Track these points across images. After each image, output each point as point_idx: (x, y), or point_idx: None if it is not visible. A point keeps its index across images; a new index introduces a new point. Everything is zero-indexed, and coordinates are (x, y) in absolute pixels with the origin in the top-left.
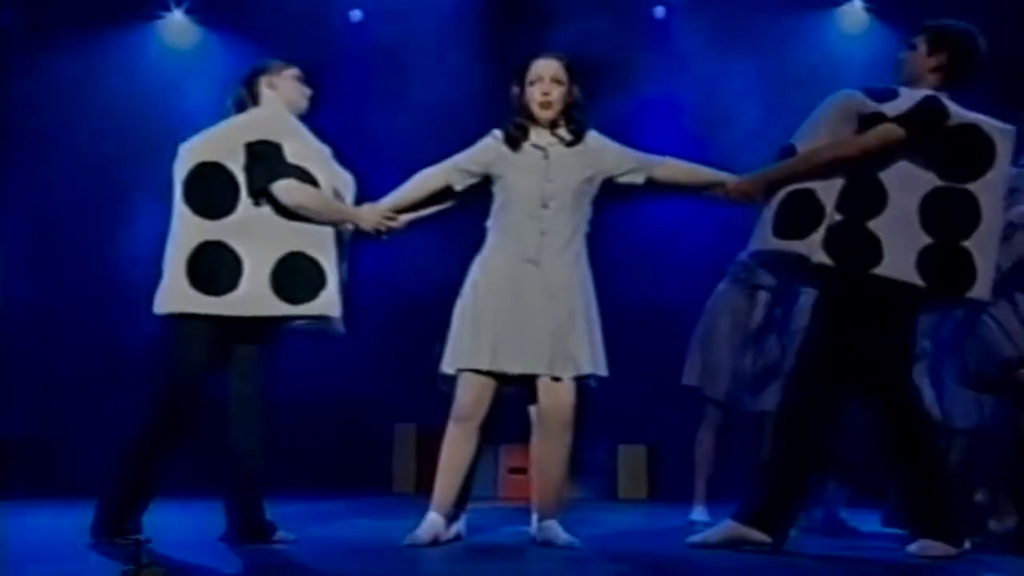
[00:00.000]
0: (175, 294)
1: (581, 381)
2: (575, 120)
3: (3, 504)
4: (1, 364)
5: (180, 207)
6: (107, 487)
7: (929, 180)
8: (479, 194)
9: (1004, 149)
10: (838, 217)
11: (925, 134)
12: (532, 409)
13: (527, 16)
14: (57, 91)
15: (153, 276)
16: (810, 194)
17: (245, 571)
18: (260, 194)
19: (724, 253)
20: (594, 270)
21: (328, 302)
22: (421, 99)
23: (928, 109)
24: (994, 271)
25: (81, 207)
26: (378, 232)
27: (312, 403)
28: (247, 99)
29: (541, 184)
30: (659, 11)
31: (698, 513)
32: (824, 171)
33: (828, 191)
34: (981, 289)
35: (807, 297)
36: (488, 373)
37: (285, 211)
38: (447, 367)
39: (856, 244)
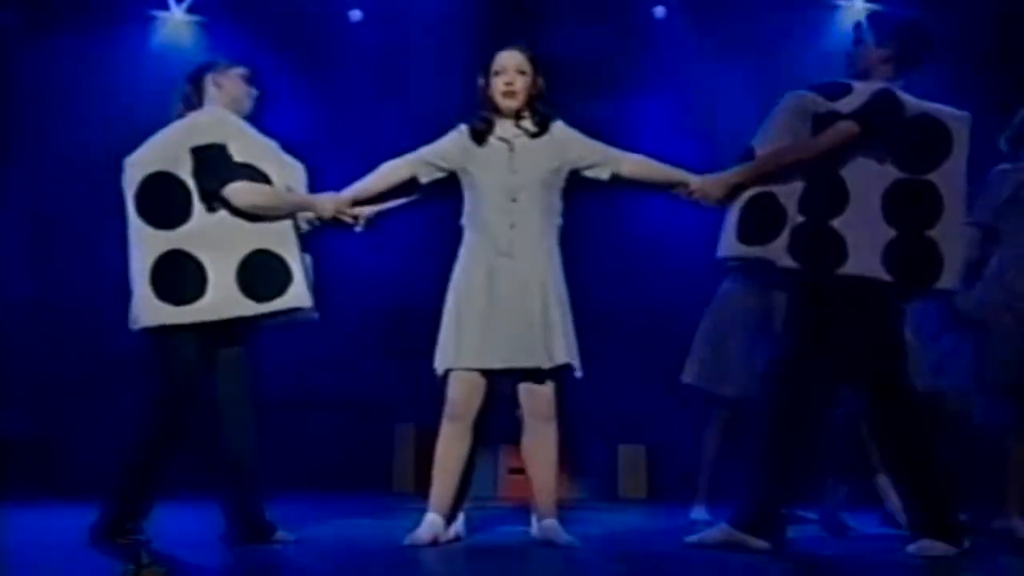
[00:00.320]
0: (145, 309)
1: (561, 374)
2: (539, 111)
3: (3, 504)
4: (1, 364)
5: (135, 221)
6: (109, 489)
7: (889, 173)
8: (447, 188)
9: (961, 136)
10: (801, 219)
11: (881, 128)
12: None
13: (527, 16)
14: (57, 91)
15: None
16: (771, 197)
17: (245, 571)
18: (213, 199)
19: None
20: (594, 271)
21: (298, 294)
22: (421, 99)
23: (882, 103)
24: (961, 259)
25: (81, 207)
26: (342, 222)
27: (312, 403)
28: (193, 97)
29: (507, 177)
30: (659, 11)
31: (699, 512)
32: (785, 173)
33: (789, 193)
34: (949, 278)
35: None
36: (476, 370)
37: (241, 211)
38: (437, 367)
39: (820, 245)
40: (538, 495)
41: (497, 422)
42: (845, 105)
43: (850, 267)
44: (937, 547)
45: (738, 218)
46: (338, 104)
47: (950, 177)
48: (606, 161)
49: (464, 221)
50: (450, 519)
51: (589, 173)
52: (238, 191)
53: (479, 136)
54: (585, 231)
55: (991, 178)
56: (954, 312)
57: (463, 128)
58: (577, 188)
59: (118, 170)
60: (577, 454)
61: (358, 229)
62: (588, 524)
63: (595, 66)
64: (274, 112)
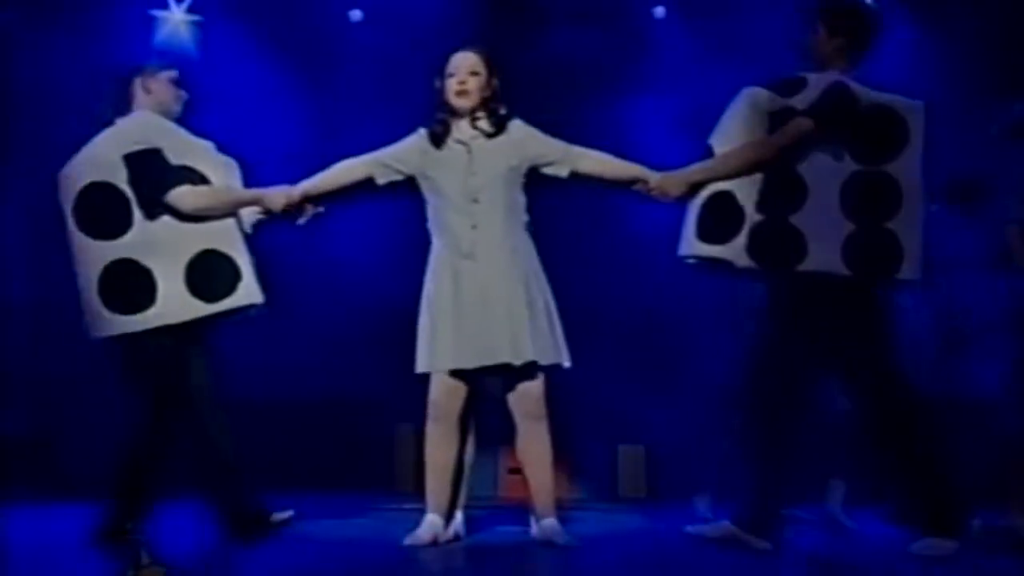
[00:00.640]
0: (97, 321)
1: (547, 372)
2: (495, 111)
3: (3, 505)
4: (0, 363)
5: (76, 236)
6: (106, 491)
7: (846, 166)
8: (403, 190)
9: (917, 126)
10: (759, 217)
11: (836, 122)
12: None
13: (527, 18)
14: (57, 90)
15: None
16: (729, 196)
17: (245, 571)
18: (154, 205)
19: None
20: (594, 272)
21: (248, 291)
22: (420, 100)
23: (836, 96)
24: (921, 249)
25: None
26: (289, 214)
27: (313, 403)
28: (122, 102)
29: (466, 179)
30: (659, 11)
31: (702, 506)
32: (743, 172)
33: (747, 191)
34: (910, 269)
35: None
36: (454, 372)
37: (184, 215)
38: (417, 370)
39: (779, 242)
40: (536, 496)
41: (497, 423)
42: (800, 101)
43: (809, 263)
44: (941, 545)
45: (697, 216)
46: (338, 104)
47: (907, 167)
48: (565, 158)
49: (429, 226)
50: (448, 518)
51: (548, 171)
52: (183, 195)
53: (437, 139)
54: (585, 231)
55: None
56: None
57: (422, 132)
58: (577, 188)
59: None
60: (577, 454)
61: (300, 222)
62: (588, 524)
63: (594, 67)
64: (274, 112)
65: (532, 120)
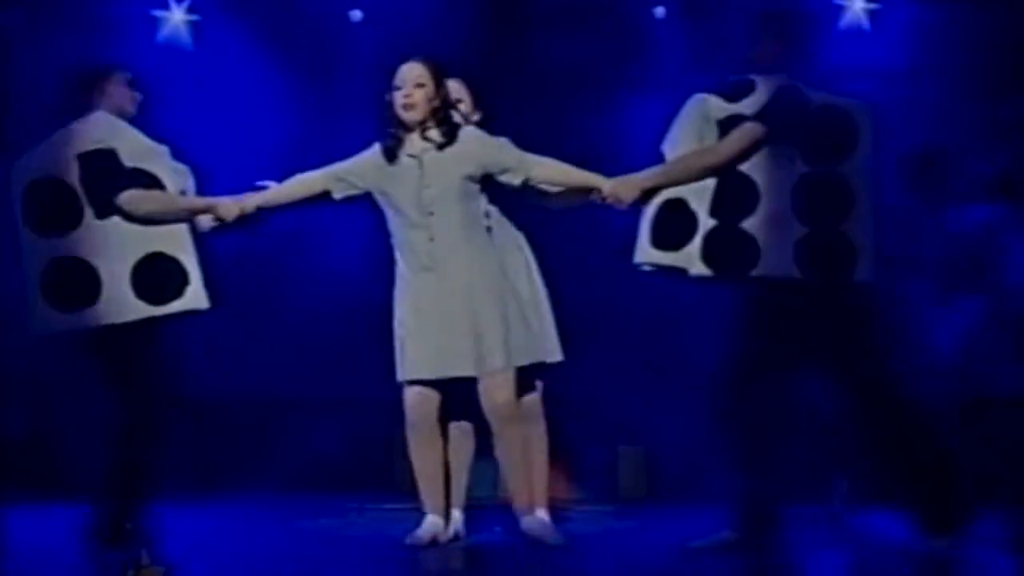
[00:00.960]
0: (39, 318)
1: (531, 370)
2: (445, 121)
3: (3, 504)
4: (0, 363)
5: (23, 229)
6: (99, 492)
7: (797, 168)
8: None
9: (866, 127)
10: (712, 223)
11: (786, 125)
12: None
13: (527, 18)
14: (56, 90)
15: None
16: (682, 203)
17: (245, 571)
18: (105, 205)
19: None
20: (594, 272)
21: (195, 296)
22: None
23: (785, 99)
24: (875, 249)
25: None
26: (242, 225)
27: (313, 404)
28: (78, 103)
29: (419, 192)
30: (659, 11)
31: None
32: (696, 178)
33: (700, 197)
34: (865, 271)
35: None
36: (425, 382)
37: (131, 216)
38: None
39: (732, 248)
40: (513, 497)
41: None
42: (748, 106)
43: (761, 268)
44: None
45: (651, 223)
46: (338, 105)
47: (858, 168)
48: (518, 166)
49: (392, 240)
50: (447, 517)
51: (502, 178)
52: (134, 198)
53: (390, 154)
54: (585, 231)
55: None
56: None
57: (377, 147)
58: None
59: None
60: (577, 455)
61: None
62: (588, 525)
63: (594, 67)
64: (274, 113)
65: (532, 120)
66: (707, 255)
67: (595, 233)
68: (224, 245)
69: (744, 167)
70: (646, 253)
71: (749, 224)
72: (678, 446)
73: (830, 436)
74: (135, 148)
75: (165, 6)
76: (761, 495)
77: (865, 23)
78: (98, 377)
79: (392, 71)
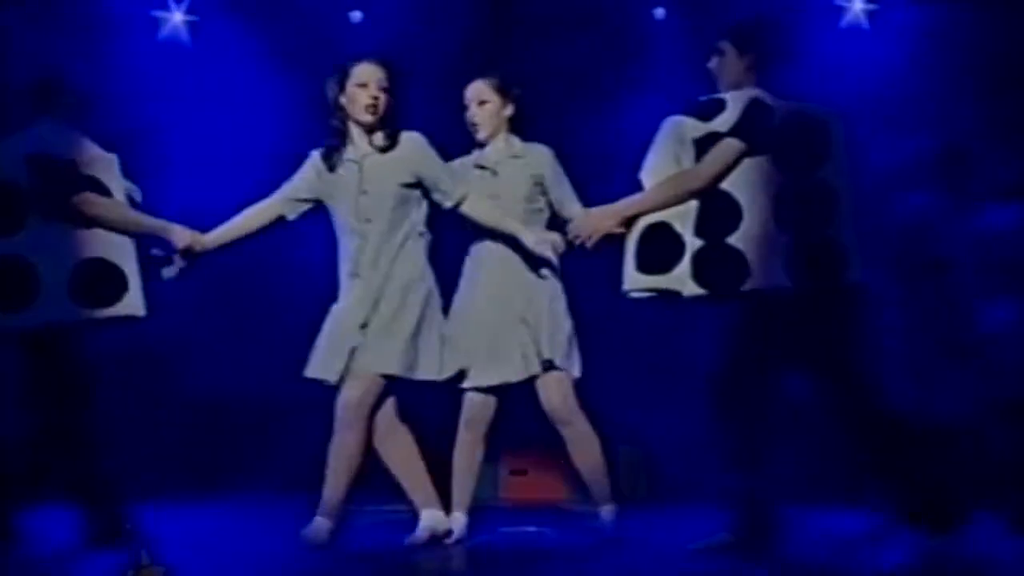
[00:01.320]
0: None
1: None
2: (389, 125)
3: (3, 504)
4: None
5: None
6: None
7: (775, 179)
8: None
9: (838, 131)
10: (699, 242)
11: (761, 138)
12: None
13: (528, 19)
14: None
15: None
16: (665, 226)
17: (245, 572)
18: (50, 207)
19: None
20: (595, 273)
21: (132, 303)
22: (420, 101)
23: (756, 113)
24: (859, 249)
25: None
26: (188, 255)
27: (314, 405)
28: (37, 108)
29: (358, 199)
30: (659, 12)
31: None
32: (679, 202)
33: (684, 218)
34: (855, 271)
35: None
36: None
37: (78, 220)
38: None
39: (722, 266)
40: (410, 494)
41: (498, 425)
42: (721, 123)
43: (754, 282)
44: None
45: (636, 250)
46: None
47: (835, 172)
48: (450, 191)
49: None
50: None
51: (435, 196)
52: (90, 201)
53: (331, 156)
54: None
55: None
56: None
57: (314, 155)
58: (578, 189)
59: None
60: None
61: (169, 274)
62: (587, 526)
63: (594, 68)
64: (274, 113)
65: (531, 121)
66: (697, 275)
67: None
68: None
69: (724, 184)
70: (635, 280)
71: (735, 239)
72: (678, 446)
73: (828, 437)
74: (84, 155)
75: (165, 7)
76: (761, 498)
77: (865, 23)
78: (23, 378)
79: (341, 66)
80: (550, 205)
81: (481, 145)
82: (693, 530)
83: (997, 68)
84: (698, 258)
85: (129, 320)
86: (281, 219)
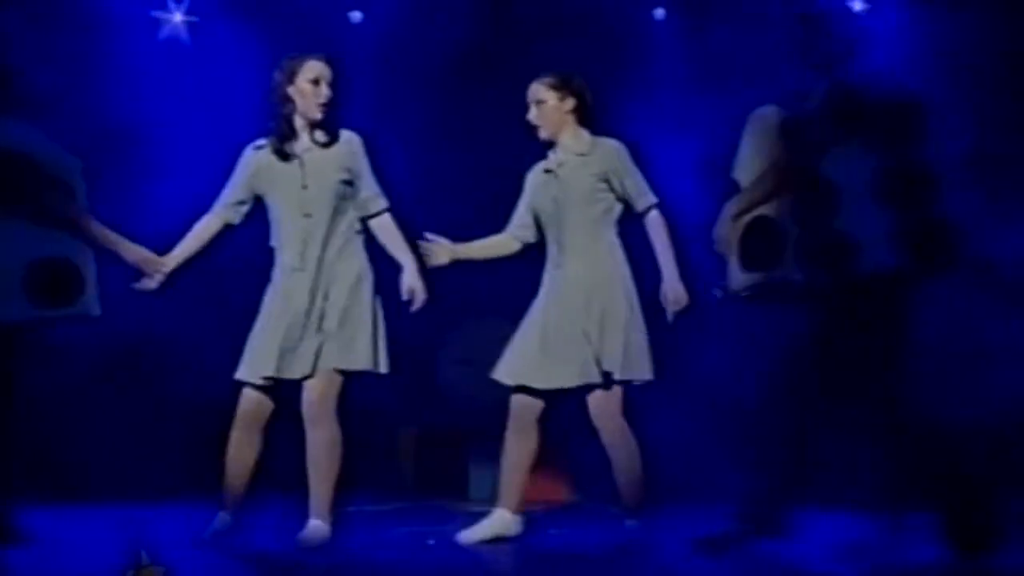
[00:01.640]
0: None
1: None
2: (330, 120)
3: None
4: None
5: None
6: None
7: (870, 160)
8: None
9: (924, 111)
10: (802, 231)
11: (849, 120)
12: None
13: (528, 19)
14: (55, 91)
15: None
16: (765, 219)
17: (245, 572)
18: (9, 204)
19: None
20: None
21: (87, 304)
22: (421, 101)
23: (842, 96)
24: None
25: None
26: (143, 274)
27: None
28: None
29: (299, 193)
30: (659, 12)
31: None
32: (773, 197)
33: (781, 209)
34: (964, 249)
35: None
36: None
37: (38, 218)
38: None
39: (830, 250)
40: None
41: (498, 427)
42: (807, 108)
43: (868, 263)
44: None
45: (739, 249)
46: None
47: (928, 151)
48: (368, 201)
49: (272, 242)
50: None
51: (361, 203)
52: (62, 200)
53: (282, 147)
54: None
55: None
56: None
57: (248, 153)
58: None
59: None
60: (576, 456)
61: (151, 285)
62: (587, 525)
63: (594, 69)
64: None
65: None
66: (804, 261)
67: None
68: (225, 244)
69: (817, 168)
70: (740, 279)
71: (840, 223)
72: (678, 446)
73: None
74: (48, 155)
75: (165, 7)
76: (782, 489)
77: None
78: None
79: (290, 60)
80: (623, 200)
81: (551, 145)
82: (693, 529)
83: (997, 68)
84: (803, 245)
85: (83, 320)
86: (228, 226)
